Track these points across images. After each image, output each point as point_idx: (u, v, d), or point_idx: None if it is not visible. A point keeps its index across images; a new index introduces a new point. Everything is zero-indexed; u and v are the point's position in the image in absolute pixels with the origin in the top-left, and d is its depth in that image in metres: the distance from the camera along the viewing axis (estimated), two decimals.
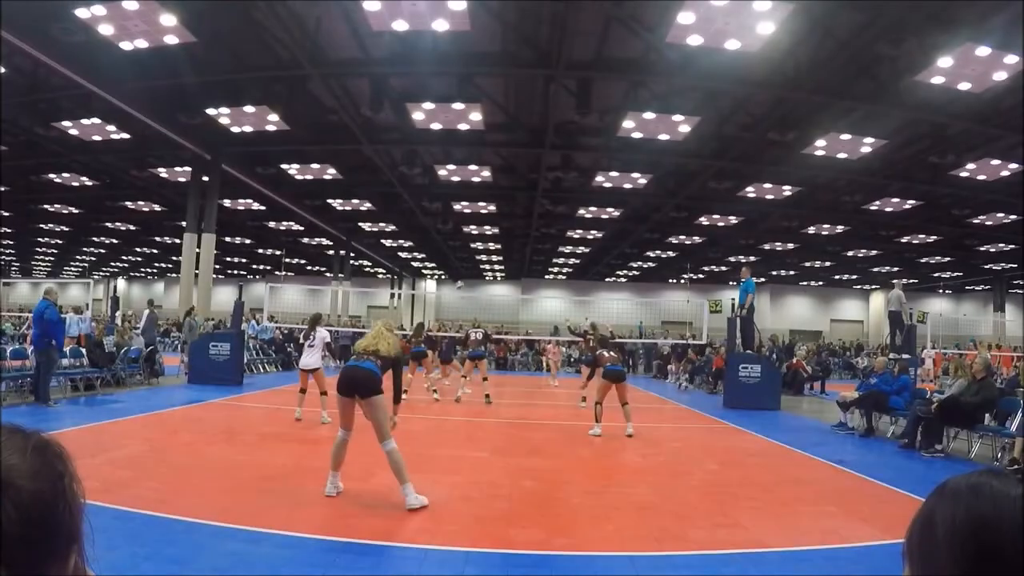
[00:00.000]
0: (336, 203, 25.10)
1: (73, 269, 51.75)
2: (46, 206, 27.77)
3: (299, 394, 9.88)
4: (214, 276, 22.33)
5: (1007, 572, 0.68)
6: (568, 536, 4.76)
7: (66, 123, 16.34)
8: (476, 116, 14.38)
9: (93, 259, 46.28)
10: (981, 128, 13.66)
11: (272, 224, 29.95)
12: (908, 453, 9.01)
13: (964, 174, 17.08)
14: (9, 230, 34.14)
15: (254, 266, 46.76)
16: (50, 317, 10.23)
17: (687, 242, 29.88)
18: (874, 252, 30.40)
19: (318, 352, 9.89)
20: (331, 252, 34.99)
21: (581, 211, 24.26)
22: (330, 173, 20.33)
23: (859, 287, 44.70)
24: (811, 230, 26.04)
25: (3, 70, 12.75)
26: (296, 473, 6.35)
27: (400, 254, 38.05)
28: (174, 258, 36.56)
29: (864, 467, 7.73)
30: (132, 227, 31.93)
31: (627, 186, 20.30)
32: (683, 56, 11.74)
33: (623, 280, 45.16)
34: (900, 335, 15.28)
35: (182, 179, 20.96)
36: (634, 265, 38.82)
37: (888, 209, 21.80)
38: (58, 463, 0.70)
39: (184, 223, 20.00)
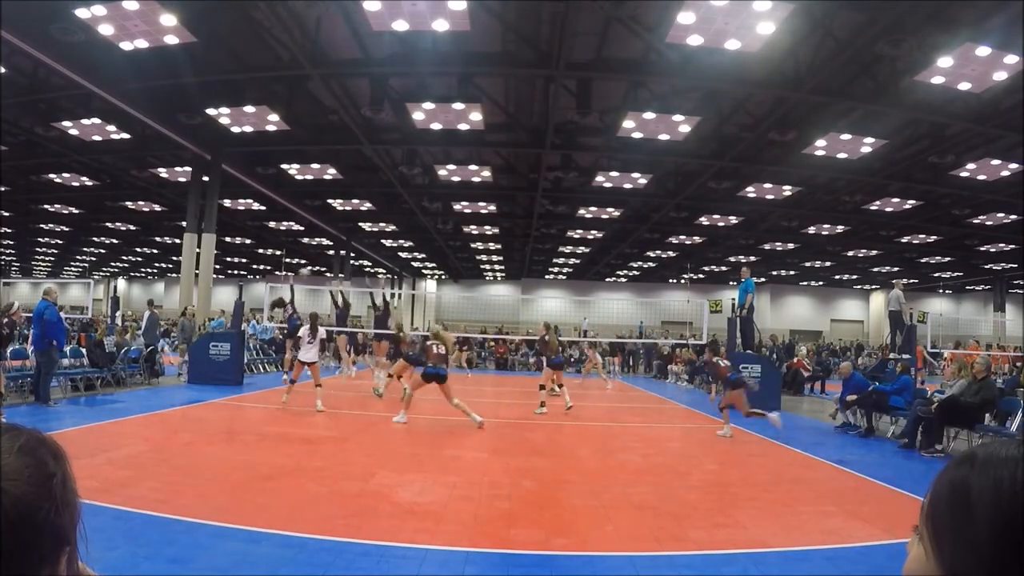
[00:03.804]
0: (336, 203, 25.10)
1: (73, 269, 51.76)
2: (46, 206, 27.78)
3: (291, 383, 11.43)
4: (214, 276, 22.33)
5: None
6: (568, 536, 4.76)
7: (66, 123, 16.33)
8: (476, 116, 14.37)
9: (93, 259, 46.28)
10: (981, 128, 13.65)
11: (272, 224, 29.95)
12: (908, 453, 9.02)
13: (964, 174, 17.07)
14: (9, 230, 34.16)
15: (254, 266, 46.76)
16: (49, 317, 10.21)
17: (687, 242, 29.88)
18: (874, 252, 30.39)
19: (316, 347, 11.39)
20: (331, 252, 34.98)
21: (581, 211, 24.25)
22: (330, 173, 20.33)
23: (859, 287, 44.70)
24: (811, 230, 26.04)
25: (3, 70, 12.75)
26: (296, 473, 6.34)
27: (400, 254, 38.06)
28: (174, 258, 36.57)
29: (864, 467, 7.74)
30: (132, 227, 31.94)
31: (627, 186, 20.30)
32: (683, 56, 11.74)
33: (623, 280, 45.16)
34: (900, 335, 15.29)
35: (182, 179, 20.96)
36: (634, 265, 38.81)
37: (888, 209, 21.80)
38: (51, 463, 0.69)
39: (184, 223, 20.00)
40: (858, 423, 10.98)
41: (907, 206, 21.32)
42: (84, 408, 10.29)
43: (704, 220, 24.97)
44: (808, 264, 35.79)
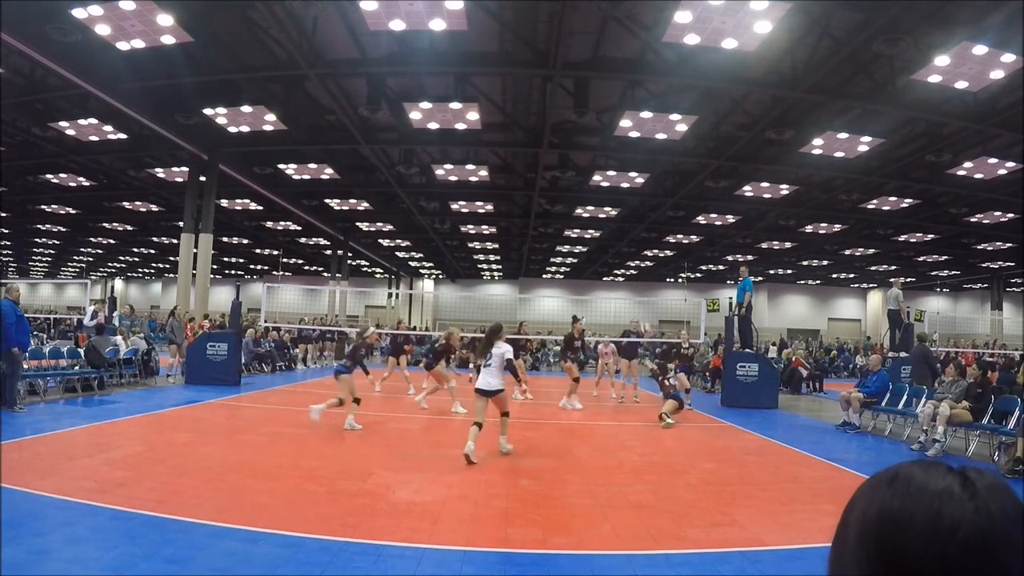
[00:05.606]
0: (334, 203, 25.09)
1: (70, 269, 51.67)
2: (43, 207, 27.72)
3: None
4: (212, 276, 22.31)
5: None
6: (566, 535, 4.77)
7: (63, 123, 16.30)
8: (473, 115, 14.37)
9: (91, 259, 46.20)
10: (978, 127, 13.67)
11: (269, 224, 29.93)
12: (903, 450, 9.03)
13: (961, 172, 17.10)
14: (6, 230, 34.09)
15: (252, 266, 46.72)
16: (7, 319, 9.20)
17: (684, 241, 29.90)
18: (872, 251, 30.44)
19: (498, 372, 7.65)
20: (329, 252, 34.99)
21: (579, 210, 24.25)
22: (327, 173, 20.31)
23: (856, 286, 44.77)
24: (808, 229, 26.07)
25: (1, 71, 12.72)
26: (293, 473, 6.35)
27: (398, 254, 38.06)
28: (171, 258, 36.53)
29: (862, 465, 7.75)
30: (129, 227, 31.90)
31: (624, 185, 20.31)
32: (680, 55, 11.75)
33: (620, 279, 45.18)
34: (899, 333, 15.34)
35: (179, 179, 20.94)
36: (632, 264, 38.81)
37: (885, 208, 21.84)
38: None
39: (181, 223, 19.97)
40: (859, 423, 10.99)
41: (904, 205, 21.36)
42: (81, 408, 10.21)
43: (701, 219, 24.99)
44: (805, 263, 35.82)
